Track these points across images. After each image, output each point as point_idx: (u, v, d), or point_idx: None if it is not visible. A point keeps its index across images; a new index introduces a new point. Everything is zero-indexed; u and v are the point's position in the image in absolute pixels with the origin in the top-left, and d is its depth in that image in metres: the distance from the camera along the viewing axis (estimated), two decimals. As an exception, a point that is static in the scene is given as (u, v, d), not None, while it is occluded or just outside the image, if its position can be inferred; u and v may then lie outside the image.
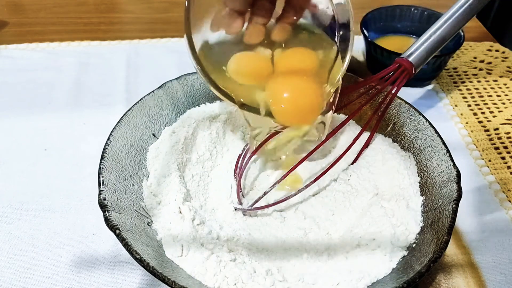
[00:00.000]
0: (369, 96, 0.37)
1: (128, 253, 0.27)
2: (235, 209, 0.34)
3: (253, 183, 0.36)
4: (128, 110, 0.36)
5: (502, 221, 0.37)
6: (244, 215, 0.34)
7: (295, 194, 0.32)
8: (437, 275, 0.33)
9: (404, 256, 0.30)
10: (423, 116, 0.36)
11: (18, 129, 0.43)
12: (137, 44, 0.55)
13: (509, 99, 0.48)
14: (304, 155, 0.33)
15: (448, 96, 0.49)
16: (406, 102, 0.37)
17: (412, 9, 0.52)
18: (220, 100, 0.41)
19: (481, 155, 0.42)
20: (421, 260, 0.28)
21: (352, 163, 0.37)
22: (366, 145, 0.37)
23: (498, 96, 0.49)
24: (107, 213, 0.29)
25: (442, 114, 0.47)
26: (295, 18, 0.32)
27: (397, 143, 0.37)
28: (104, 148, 0.33)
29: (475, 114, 0.47)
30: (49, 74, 0.50)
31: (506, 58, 0.54)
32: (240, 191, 0.35)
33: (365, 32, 0.49)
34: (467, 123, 0.46)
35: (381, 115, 0.37)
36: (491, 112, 0.47)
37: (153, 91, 0.38)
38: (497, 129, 0.45)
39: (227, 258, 0.30)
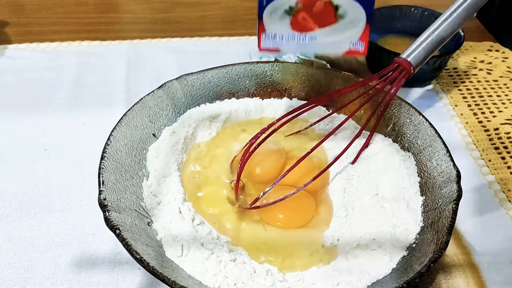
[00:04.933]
0: (368, 96, 0.37)
1: (128, 253, 0.27)
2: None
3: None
4: (128, 110, 0.36)
5: (502, 221, 0.37)
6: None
7: (293, 193, 0.32)
8: (437, 275, 0.33)
9: (404, 256, 0.30)
10: (423, 116, 0.36)
11: (18, 129, 0.43)
12: (138, 44, 0.55)
13: (509, 99, 0.48)
14: (302, 154, 0.33)
15: (448, 96, 0.49)
16: (406, 102, 0.37)
17: (412, 9, 0.52)
18: (220, 99, 0.41)
19: (481, 155, 0.42)
20: (421, 260, 0.28)
21: (352, 163, 0.36)
22: (366, 145, 0.37)
23: (498, 96, 0.49)
24: (107, 213, 0.29)
25: (442, 114, 0.47)
26: None
27: (397, 143, 0.37)
28: (104, 148, 0.33)
29: (475, 114, 0.47)
30: (50, 74, 0.50)
31: (506, 58, 0.54)
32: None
33: (365, 32, 0.49)
34: (467, 123, 0.46)
35: (381, 115, 0.37)
36: (491, 112, 0.47)
37: (153, 91, 0.38)
38: (497, 129, 0.45)
39: (227, 258, 0.29)
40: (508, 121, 0.46)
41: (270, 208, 0.33)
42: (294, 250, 0.32)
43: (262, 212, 0.33)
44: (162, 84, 0.38)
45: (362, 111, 0.39)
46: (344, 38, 0.24)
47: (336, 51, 0.25)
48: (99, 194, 0.30)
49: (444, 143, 0.34)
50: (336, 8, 0.23)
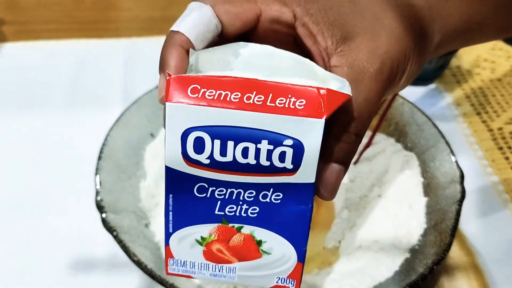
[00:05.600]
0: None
1: (125, 255, 0.27)
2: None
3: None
4: (126, 109, 0.35)
5: (506, 222, 0.36)
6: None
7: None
8: (440, 278, 0.33)
9: (407, 258, 0.30)
10: (426, 116, 0.36)
11: (14, 128, 0.43)
12: (135, 42, 0.54)
13: (512, 98, 0.48)
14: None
15: (451, 96, 0.48)
16: (408, 102, 0.37)
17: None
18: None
19: (484, 155, 0.42)
20: (424, 262, 0.28)
21: (354, 163, 0.36)
22: (368, 145, 0.37)
23: (502, 95, 0.48)
24: (104, 214, 0.28)
25: (445, 113, 0.46)
26: None
27: (400, 143, 0.37)
28: (101, 148, 0.32)
29: (478, 113, 0.46)
30: (46, 73, 0.49)
31: (509, 57, 0.53)
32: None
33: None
34: (470, 122, 0.45)
35: (383, 115, 0.36)
36: (495, 111, 0.46)
37: (151, 90, 0.37)
38: (500, 128, 0.45)
39: (226, 260, 0.29)
40: (512, 121, 0.45)
41: None
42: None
43: None
44: (160, 83, 0.38)
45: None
46: (270, 274, 0.20)
47: (259, 285, 0.21)
48: (96, 195, 0.29)
49: (447, 143, 0.34)
50: (259, 243, 0.19)
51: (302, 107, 0.16)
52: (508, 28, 0.24)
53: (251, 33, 0.20)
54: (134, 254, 0.27)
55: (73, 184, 0.38)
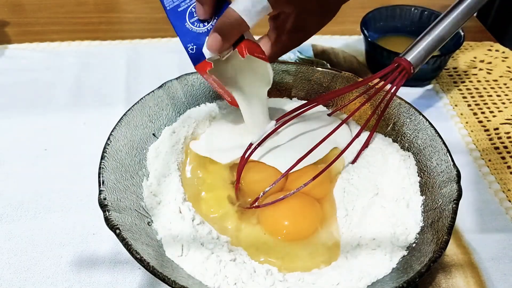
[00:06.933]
0: (368, 96, 0.37)
1: (128, 253, 0.27)
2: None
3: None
4: (128, 110, 0.36)
5: (502, 220, 0.37)
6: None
7: (293, 193, 0.32)
8: (437, 275, 0.33)
9: (404, 256, 0.30)
10: (423, 116, 0.36)
11: (18, 129, 0.43)
12: (138, 44, 0.55)
13: (509, 99, 0.48)
14: (301, 155, 0.33)
15: (448, 96, 0.49)
16: (406, 102, 0.37)
17: (412, 9, 0.52)
18: (220, 99, 0.41)
19: (481, 155, 0.42)
20: (421, 259, 0.28)
21: (352, 163, 0.37)
22: (366, 144, 0.37)
23: (498, 96, 0.49)
24: (107, 213, 0.29)
25: (442, 114, 0.47)
26: None
27: (397, 142, 0.37)
28: (104, 148, 0.33)
29: (475, 114, 0.47)
30: (50, 74, 0.50)
31: (506, 58, 0.54)
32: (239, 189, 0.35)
33: (365, 32, 0.49)
34: (467, 123, 0.46)
35: (380, 115, 0.37)
36: (491, 112, 0.47)
37: (153, 91, 0.38)
38: (497, 128, 0.45)
39: (227, 258, 0.30)
40: (508, 121, 0.46)
41: (274, 220, 0.33)
42: (294, 250, 0.32)
43: (265, 225, 0.33)
44: (162, 84, 0.38)
45: (362, 111, 0.39)
46: None
47: None
48: (99, 194, 0.30)
49: (444, 143, 0.34)
50: None
51: None
52: None
53: None
54: (137, 251, 0.27)
55: (76, 183, 0.38)
